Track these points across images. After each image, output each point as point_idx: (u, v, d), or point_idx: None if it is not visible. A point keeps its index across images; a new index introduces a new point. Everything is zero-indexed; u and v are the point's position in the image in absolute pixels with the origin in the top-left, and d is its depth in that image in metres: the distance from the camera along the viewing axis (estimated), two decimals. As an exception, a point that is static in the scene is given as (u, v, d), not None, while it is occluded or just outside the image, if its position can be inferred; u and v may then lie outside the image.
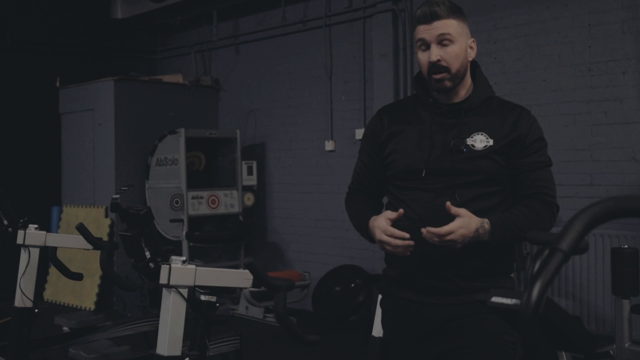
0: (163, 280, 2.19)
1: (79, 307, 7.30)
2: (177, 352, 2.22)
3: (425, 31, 2.22)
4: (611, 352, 3.37)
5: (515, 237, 2.19)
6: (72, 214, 7.75)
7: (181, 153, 7.17)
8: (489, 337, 2.19)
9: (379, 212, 2.31)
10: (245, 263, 2.13)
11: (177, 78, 8.15)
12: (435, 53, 2.20)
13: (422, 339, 2.30)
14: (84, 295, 7.31)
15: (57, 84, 8.10)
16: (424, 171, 2.22)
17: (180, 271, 2.20)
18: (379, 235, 2.18)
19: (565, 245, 1.07)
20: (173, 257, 2.23)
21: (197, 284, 2.24)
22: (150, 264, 2.25)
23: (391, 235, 2.15)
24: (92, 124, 7.70)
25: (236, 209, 7.46)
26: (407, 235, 2.14)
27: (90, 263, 7.08)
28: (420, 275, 2.26)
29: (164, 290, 2.23)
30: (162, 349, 2.22)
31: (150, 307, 6.69)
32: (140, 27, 8.77)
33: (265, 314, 6.60)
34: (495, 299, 1.19)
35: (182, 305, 2.21)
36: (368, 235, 2.31)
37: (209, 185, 7.53)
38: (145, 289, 6.68)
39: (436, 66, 2.21)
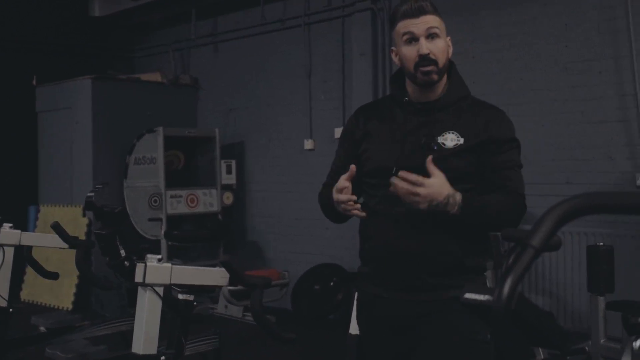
0: (138, 278, 2.19)
1: (56, 307, 7.24)
2: (153, 350, 2.22)
3: (413, 25, 2.22)
4: (587, 348, 3.40)
5: (485, 218, 2.19)
6: (49, 213, 7.68)
7: (159, 152, 7.12)
8: (460, 335, 2.19)
9: None
10: (221, 261, 2.13)
11: (156, 77, 8.09)
12: (426, 46, 2.21)
13: (393, 336, 2.30)
14: (61, 295, 7.24)
15: (34, 82, 8.02)
16: (395, 169, 2.21)
17: (155, 269, 2.20)
18: (334, 195, 2.18)
19: (536, 242, 1.08)
20: (149, 256, 2.22)
21: (173, 282, 2.24)
22: (126, 262, 2.25)
23: (340, 190, 2.15)
24: (70, 122, 7.63)
25: (215, 208, 7.43)
26: (354, 197, 2.15)
27: (67, 262, 6.97)
28: (390, 271, 2.27)
29: (140, 289, 2.22)
30: (137, 347, 2.21)
31: (129, 307, 6.65)
32: (118, 25, 8.69)
33: (244, 313, 6.58)
34: (468, 295, 1.19)
35: (158, 304, 2.21)
36: (336, 213, 2.29)
37: (187, 184, 7.49)
38: (123, 289, 6.64)
39: (426, 59, 2.21)
